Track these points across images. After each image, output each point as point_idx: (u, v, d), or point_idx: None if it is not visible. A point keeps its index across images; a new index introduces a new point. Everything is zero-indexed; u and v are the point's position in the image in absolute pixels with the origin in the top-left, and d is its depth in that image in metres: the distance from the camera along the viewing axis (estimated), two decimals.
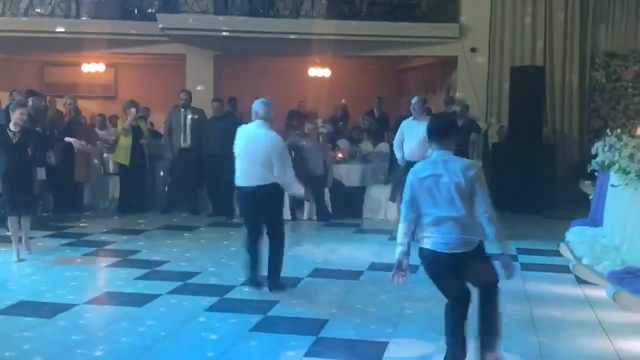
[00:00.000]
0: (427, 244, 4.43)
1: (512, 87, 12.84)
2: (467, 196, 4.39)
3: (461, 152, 12.44)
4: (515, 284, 7.06)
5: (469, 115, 13.01)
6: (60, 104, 12.58)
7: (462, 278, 4.52)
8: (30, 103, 10.16)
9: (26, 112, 8.09)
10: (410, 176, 4.51)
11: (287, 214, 10.71)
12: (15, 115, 7.77)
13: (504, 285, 6.87)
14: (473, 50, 13.85)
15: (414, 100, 9.56)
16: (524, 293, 6.71)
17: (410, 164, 6.55)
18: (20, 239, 7.77)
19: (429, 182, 4.40)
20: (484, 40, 13.89)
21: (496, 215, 4.44)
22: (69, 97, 11.46)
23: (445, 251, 4.38)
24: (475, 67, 13.84)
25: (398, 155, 9.46)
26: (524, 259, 8.27)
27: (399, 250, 4.48)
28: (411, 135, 9.27)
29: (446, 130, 4.56)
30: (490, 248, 4.55)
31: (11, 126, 7.77)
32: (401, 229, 4.49)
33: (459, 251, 4.40)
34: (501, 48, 13.88)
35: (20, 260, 7.56)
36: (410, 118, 9.50)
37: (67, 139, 10.38)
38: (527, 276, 7.36)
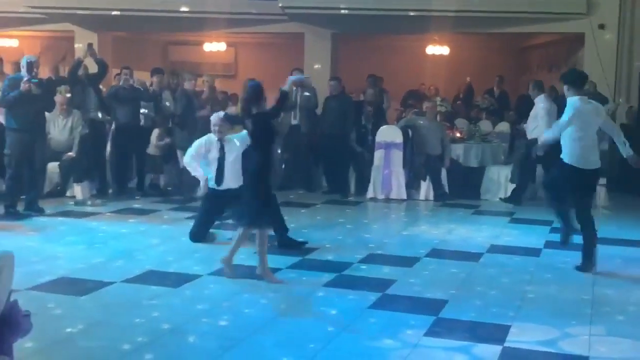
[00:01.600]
0: None
1: None
2: None
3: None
4: None
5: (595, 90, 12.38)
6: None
7: None
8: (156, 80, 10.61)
9: None
10: None
11: (402, 193, 10.69)
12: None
13: (632, 272, 6.62)
14: (601, 26, 13.26)
15: None
16: None
17: None
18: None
19: None
20: (614, 16, 13.27)
21: None
22: (207, 75, 11.85)
23: None
24: (604, 44, 13.25)
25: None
26: None
27: None
28: None
29: None
30: None
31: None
32: None
33: None
34: (632, 24, 13.24)
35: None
36: None
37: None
38: None
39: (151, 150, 10.39)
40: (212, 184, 7.40)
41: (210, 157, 7.39)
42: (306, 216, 9.31)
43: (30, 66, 8.45)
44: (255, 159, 6.16)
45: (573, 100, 6.62)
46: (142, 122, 10.54)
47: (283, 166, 12.02)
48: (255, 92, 6.26)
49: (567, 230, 6.84)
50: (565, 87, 6.82)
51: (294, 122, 11.46)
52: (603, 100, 11.97)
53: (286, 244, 7.30)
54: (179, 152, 10.01)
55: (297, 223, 8.70)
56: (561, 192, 6.72)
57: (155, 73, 11.03)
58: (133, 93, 10.44)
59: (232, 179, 7.29)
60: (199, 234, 7.45)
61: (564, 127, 6.62)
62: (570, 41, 14.48)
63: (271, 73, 14.94)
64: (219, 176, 7.35)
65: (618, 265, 6.98)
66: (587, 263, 6.63)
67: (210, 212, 7.58)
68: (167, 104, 10.78)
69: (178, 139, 10.26)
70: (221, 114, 7.63)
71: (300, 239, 7.45)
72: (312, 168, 11.63)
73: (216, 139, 7.36)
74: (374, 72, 14.48)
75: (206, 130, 7.73)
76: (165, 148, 10.40)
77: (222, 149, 7.33)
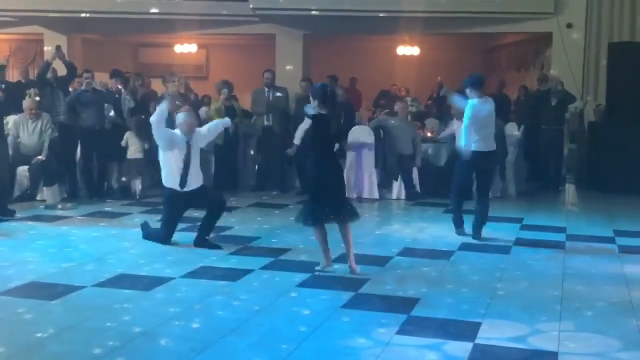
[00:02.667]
0: None
1: (609, 64, 12.39)
2: None
3: (558, 131, 12.22)
4: (614, 267, 6.88)
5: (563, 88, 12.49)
6: (155, 85, 12.96)
7: None
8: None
9: None
10: None
11: (374, 193, 10.74)
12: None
13: (601, 269, 6.73)
14: (569, 26, 13.45)
15: None
16: (622, 276, 6.50)
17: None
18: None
19: None
20: (581, 15, 13.46)
21: None
22: (169, 74, 11.79)
23: None
24: (571, 43, 13.43)
25: None
26: (621, 241, 8.01)
27: None
28: None
29: None
30: None
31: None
32: None
33: None
34: (599, 23, 13.43)
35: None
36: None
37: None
38: (626, 259, 7.14)
39: (132, 154, 10.26)
40: (174, 186, 7.35)
41: (171, 155, 7.32)
42: (279, 217, 9.31)
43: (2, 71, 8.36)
44: (312, 159, 6.41)
45: (472, 103, 7.70)
46: (106, 125, 10.52)
47: (256, 167, 12.03)
48: (320, 93, 6.43)
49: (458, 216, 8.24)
50: (467, 90, 7.86)
51: (266, 123, 11.47)
52: (571, 98, 12.14)
53: (201, 244, 7.35)
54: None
55: (270, 224, 8.71)
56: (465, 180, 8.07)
57: (114, 75, 10.98)
58: (95, 96, 10.37)
59: (195, 180, 7.31)
60: (168, 237, 7.43)
61: (469, 131, 7.70)
62: (538, 40, 14.65)
63: (243, 74, 14.99)
64: (184, 178, 7.30)
65: (587, 262, 7.08)
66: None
67: (174, 214, 7.52)
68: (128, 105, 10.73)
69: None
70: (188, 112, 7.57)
71: (217, 244, 7.41)
72: (286, 169, 11.64)
73: (185, 139, 7.32)
74: (347, 73, 14.55)
75: None
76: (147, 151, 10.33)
77: (188, 151, 7.30)
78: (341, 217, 6.39)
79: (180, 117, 7.41)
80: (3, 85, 8.37)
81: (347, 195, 7.26)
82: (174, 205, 7.46)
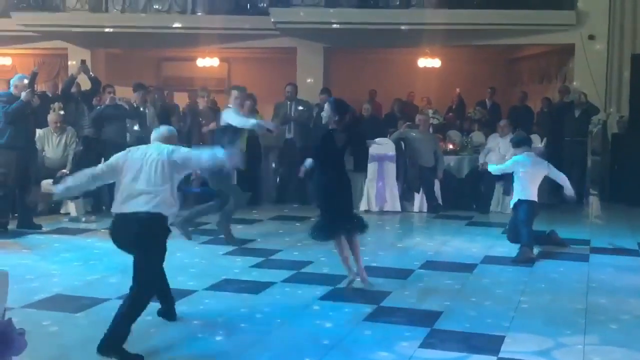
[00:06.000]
0: None
1: (632, 75, 12.33)
2: None
3: (581, 143, 12.11)
4: (639, 279, 6.81)
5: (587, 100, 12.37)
6: (178, 99, 13.07)
7: None
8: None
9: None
10: None
11: (396, 205, 10.72)
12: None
13: (625, 281, 6.66)
14: (591, 37, 13.36)
15: None
16: None
17: None
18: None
19: None
20: (603, 26, 13.37)
21: None
22: (201, 89, 11.85)
23: None
24: (594, 55, 13.34)
25: None
26: None
27: None
28: None
29: None
30: None
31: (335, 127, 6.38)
32: None
33: None
34: (621, 35, 13.33)
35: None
36: None
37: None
38: None
39: None
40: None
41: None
42: (301, 230, 9.31)
43: (34, 78, 8.47)
44: (318, 173, 6.47)
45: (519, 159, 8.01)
46: (128, 139, 10.59)
47: (278, 180, 12.08)
48: (335, 107, 6.39)
49: None
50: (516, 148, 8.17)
51: (288, 135, 11.53)
52: (595, 110, 12.07)
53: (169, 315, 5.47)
54: None
55: (291, 237, 8.74)
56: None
57: (138, 89, 11.07)
58: (117, 111, 10.46)
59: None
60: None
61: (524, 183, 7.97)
62: (561, 52, 14.57)
63: (264, 87, 15.03)
64: None
65: (611, 275, 7.02)
66: None
67: None
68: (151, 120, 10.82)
69: None
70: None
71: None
72: (307, 181, 11.65)
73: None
74: (368, 85, 14.57)
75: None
76: None
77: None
78: (349, 229, 6.37)
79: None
80: (37, 92, 8.48)
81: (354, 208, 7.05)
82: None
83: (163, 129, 5.28)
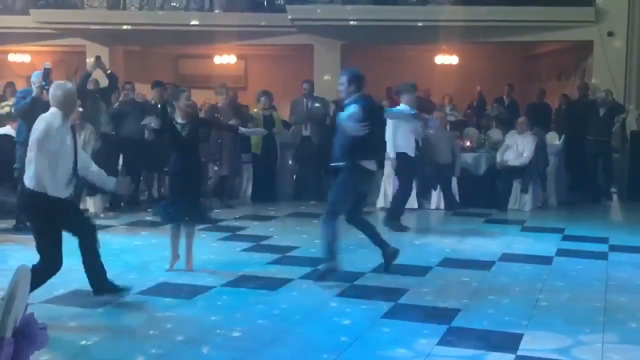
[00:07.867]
0: None
1: None
2: None
3: (606, 142, 11.84)
4: None
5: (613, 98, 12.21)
6: (194, 96, 13.07)
7: None
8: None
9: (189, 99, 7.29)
10: None
11: (413, 202, 10.69)
12: (182, 103, 6.83)
13: None
14: (610, 34, 13.27)
15: None
16: None
17: None
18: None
19: None
20: (622, 23, 13.27)
21: None
22: (220, 86, 11.83)
23: None
24: (612, 51, 13.25)
25: None
26: None
27: None
28: None
29: None
30: None
31: (177, 117, 6.85)
32: None
33: None
34: None
35: (171, 269, 6.74)
36: None
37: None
38: None
39: None
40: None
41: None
42: (317, 226, 9.28)
43: (47, 73, 8.52)
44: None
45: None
46: (146, 135, 10.60)
47: (294, 177, 12.09)
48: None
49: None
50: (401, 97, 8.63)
51: (305, 133, 11.53)
52: (620, 108, 11.95)
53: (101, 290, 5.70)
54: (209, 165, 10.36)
55: (308, 233, 8.74)
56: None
57: (156, 86, 11.10)
58: (135, 107, 10.50)
59: None
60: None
61: None
62: (579, 49, 14.48)
63: (281, 84, 15.05)
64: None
65: (630, 273, 6.97)
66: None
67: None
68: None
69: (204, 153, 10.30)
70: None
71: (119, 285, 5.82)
72: (323, 179, 11.66)
73: None
74: (385, 82, 14.53)
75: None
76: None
77: None
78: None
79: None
80: (46, 87, 8.50)
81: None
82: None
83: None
